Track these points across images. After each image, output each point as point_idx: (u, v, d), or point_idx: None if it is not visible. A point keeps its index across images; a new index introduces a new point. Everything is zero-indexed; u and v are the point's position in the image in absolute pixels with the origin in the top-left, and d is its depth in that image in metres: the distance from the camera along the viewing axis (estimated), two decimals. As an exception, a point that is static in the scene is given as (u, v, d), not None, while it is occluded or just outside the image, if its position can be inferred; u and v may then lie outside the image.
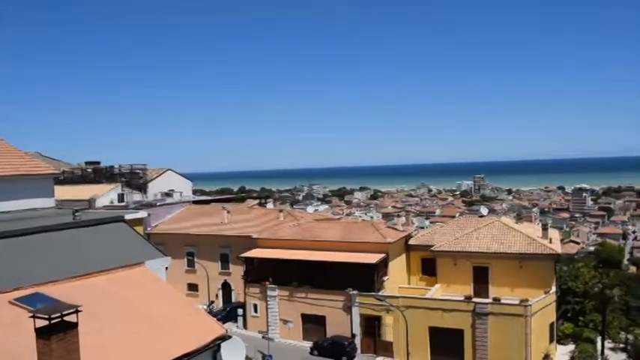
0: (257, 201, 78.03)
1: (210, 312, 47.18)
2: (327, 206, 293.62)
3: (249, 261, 47.78)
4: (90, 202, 54.19)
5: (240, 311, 48.69)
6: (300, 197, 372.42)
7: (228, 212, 57.61)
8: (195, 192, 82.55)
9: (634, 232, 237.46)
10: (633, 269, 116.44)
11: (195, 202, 67.30)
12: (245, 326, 47.99)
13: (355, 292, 42.14)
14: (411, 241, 48.82)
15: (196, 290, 55.99)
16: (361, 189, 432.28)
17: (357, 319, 42.36)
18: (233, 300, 54.17)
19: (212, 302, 54.30)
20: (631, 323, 54.81)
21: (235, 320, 49.13)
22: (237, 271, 51.97)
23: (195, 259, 56.14)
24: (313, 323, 44.53)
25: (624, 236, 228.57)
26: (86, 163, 71.46)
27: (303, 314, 44.88)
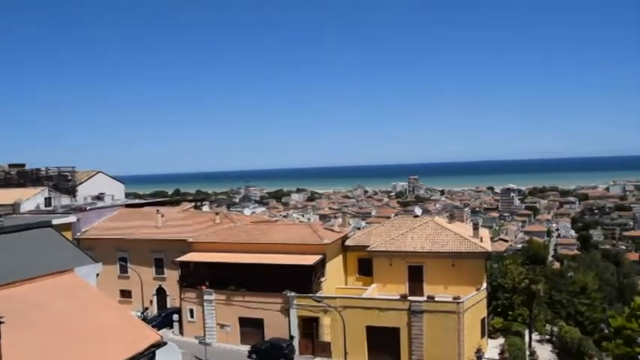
0: (192, 204, 76.65)
1: (145, 319, 45.93)
2: (264, 208, 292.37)
3: (184, 265, 46.85)
4: (14, 207, 51.71)
5: (175, 317, 47.67)
6: (237, 200, 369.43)
7: (163, 216, 56.30)
8: (127, 195, 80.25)
9: (557, 230, 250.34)
10: (557, 265, 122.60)
11: (128, 206, 65.33)
12: (181, 332, 47.04)
13: (293, 293, 42.15)
14: (348, 242, 49.36)
15: (130, 297, 54.32)
16: (298, 191, 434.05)
17: (294, 321, 42.38)
18: (168, 305, 52.95)
19: (146, 309, 52.84)
20: (555, 316, 57.72)
21: (171, 326, 48.06)
22: (172, 276, 50.82)
23: (128, 265, 54.49)
24: (251, 326, 44.19)
25: (549, 234, 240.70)
26: (9, 165, 68.01)
27: (240, 318, 44.44)
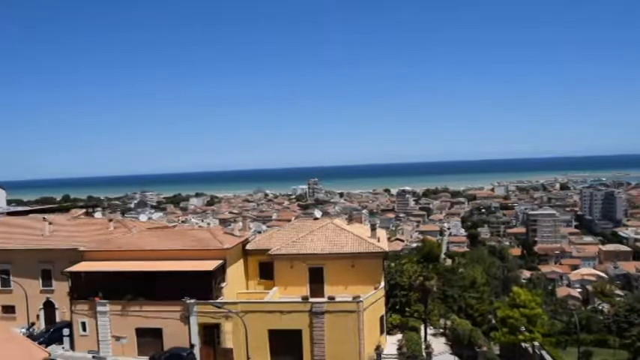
0: (83, 210, 72.53)
1: (31, 335, 42.81)
2: (161, 214, 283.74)
3: (75, 276, 44.19)
4: None
5: (66, 331, 44.83)
6: (132, 205, 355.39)
7: (50, 223, 52.71)
8: (10, 202, 74.48)
9: (449, 228, 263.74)
10: (449, 262, 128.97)
11: (10, 214, 60.62)
12: (72, 347, 44.28)
13: (193, 300, 41.13)
14: (249, 246, 48.98)
15: (13, 312, 50.31)
16: (197, 195, 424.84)
17: (195, 329, 41.36)
18: (58, 320, 49.61)
19: (32, 324, 49.24)
20: (448, 310, 60.80)
21: (61, 342, 45.13)
22: (61, 288, 47.66)
23: (11, 278, 50.45)
24: (149, 337, 42.52)
25: (441, 233, 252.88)
26: None
27: (137, 328, 42.65)
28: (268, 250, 46.50)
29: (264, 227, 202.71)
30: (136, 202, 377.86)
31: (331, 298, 41.09)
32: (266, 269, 47.40)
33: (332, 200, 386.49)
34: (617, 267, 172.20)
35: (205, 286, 41.55)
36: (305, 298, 41.30)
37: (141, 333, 42.73)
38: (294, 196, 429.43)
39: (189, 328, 41.43)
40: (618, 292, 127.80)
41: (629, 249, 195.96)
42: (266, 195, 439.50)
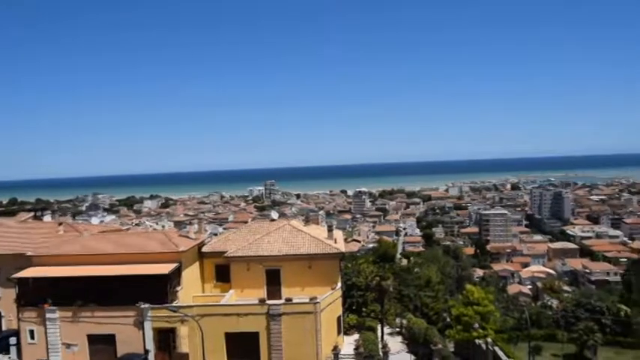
0: (31, 214, 70.02)
1: (-25, 345, 41.12)
2: (114, 217, 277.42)
3: (22, 282, 42.56)
4: None
5: (13, 340, 43.17)
6: (84, 208, 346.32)
7: (-5, 228, 50.76)
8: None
9: (404, 229, 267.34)
10: (405, 261, 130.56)
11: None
12: (20, 356, 42.70)
13: (147, 305, 40.29)
14: (205, 249, 48.35)
15: (-46, 322, 48.22)
16: (151, 197, 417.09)
17: (149, 334, 40.53)
18: (4, 328, 47.77)
19: (-23, 333, 47.27)
20: (404, 309, 61.59)
21: (7, 351, 43.43)
22: (8, 295, 45.81)
23: (-48, 285, 48.30)
24: (102, 343, 41.38)
25: (397, 233, 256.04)
26: None
27: (89, 335, 41.45)
28: (224, 252, 46.02)
29: (220, 229, 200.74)
30: (87, 204, 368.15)
31: (288, 300, 41.01)
32: (222, 272, 46.91)
33: (289, 202, 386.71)
34: (565, 264, 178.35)
35: (160, 290, 40.77)
36: (262, 301, 41.06)
37: (93, 340, 41.54)
38: (250, 198, 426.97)
39: (144, 334, 40.58)
40: (566, 288, 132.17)
41: (576, 247, 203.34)
42: (222, 197, 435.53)
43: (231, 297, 44.00)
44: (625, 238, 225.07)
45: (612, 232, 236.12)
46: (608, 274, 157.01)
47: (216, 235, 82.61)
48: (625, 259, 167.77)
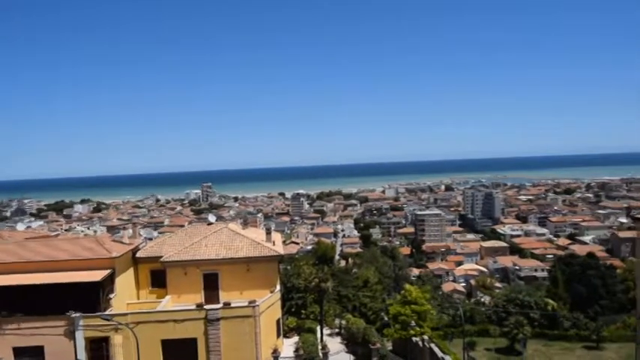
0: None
1: None
2: (42, 222, 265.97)
3: (-60, 293, 39.93)
4: None
5: None
6: (9, 214, 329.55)
7: None
8: None
9: (342, 230, 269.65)
10: (343, 263, 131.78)
11: None
12: (-63, 372, 40.03)
13: (78, 314, 38.65)
14: (139, 254, 46.91)
15: None
16: (82, 202, 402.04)
17: (81, 344, 38.86)
18: None
19: None
20: (343, 310, 62.08)
21: None
22: None
23: None
24: (29, 356, 39.24)
25: (335, 234, 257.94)
26: None
27: (15, 348, 39.24)
28: (160, 257, 44.82)
29: (155, 234, 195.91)
30: (12, 210, 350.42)
31: (227, 304, 40.40)
32: (158, 277, 45.67)
33: (226, 204, 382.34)
34: (496, 262, 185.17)
35: (92, 298, 39.20)
36: (200, 306, 40.28)
37: (19, 352, 39.39)
38: (187, 201, 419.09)
39: (75, 344, 38.89)
40: (497, 284, 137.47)
41: (506, 245, 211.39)
42: (157, 200, 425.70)
43: (168, 303, 42.91)
44: (551, 236, 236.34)
45: (539, 230, 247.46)
46: (535, 270, 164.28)
47: (151, 239, 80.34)
48: (551, 256, 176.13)
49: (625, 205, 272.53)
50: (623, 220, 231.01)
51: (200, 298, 43.53)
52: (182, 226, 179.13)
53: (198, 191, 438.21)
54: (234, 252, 44.70)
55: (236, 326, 38.69)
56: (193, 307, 40.32)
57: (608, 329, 67.11)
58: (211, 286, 44.40)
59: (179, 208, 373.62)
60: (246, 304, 39.94)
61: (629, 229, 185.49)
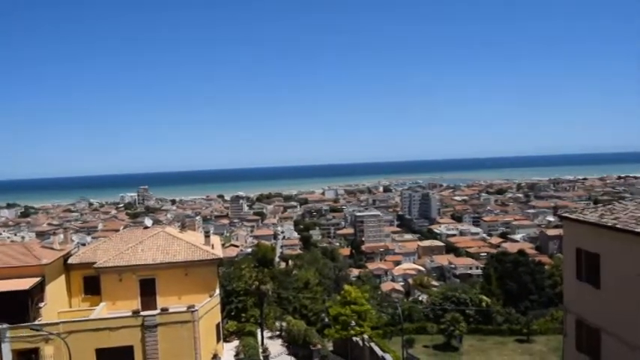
0: None
1: None
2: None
3: None
4: None
5: None
6: None
7: None
8: None
9: (282, 232, 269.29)
10: (283, 265, 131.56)
11: None
12: None
13: (5, 325, 36.67)
14: (71, 260, 45.06)
15: None
16: (9, 206, 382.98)
17: (8, 357, 36.91)
18: None
19: None
20: (284, 312, 61.92)
21: None
22: None
23: None
24: (-52, 371, 37.10)
25: (275, 236, 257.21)
26: None
27: None
28: (94, 263, 43.24)
29: (88, 239, 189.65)
30: None
31: (164, 310, 39.43)
32: (92, 284, 44.00)
33: (163, 208, 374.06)
34: (433, 261, 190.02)
35: (20, 307, 37.31)
36: (136, 312, 39.11)
37: (-62, 367, 37.12)
38: (122, 205, 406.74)
39: (1, 357, 36.91)
40: (434, 283, 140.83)
41: (442, 244, 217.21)
42: (90, 204, 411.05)
43: (102, 310, 41.45)
44: (484, 235, 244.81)
45: (473, 229, 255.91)
46: (470, 268, 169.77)
47: (84, 245, 77.59)
48: (484, 254, 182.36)
49: (552, 205, 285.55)
50: (551, 218, 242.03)
51: (136, 304, 42.26)
52: (117, 230, 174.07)
53: (134, 194, 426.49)
54: (172, 256, 43.72)
55: (174, 332, 37.85)
56: (129, 313, 39.13)
57: (538, 323, 70.04)
58: (148, 291, 43.22)
59: (114, 212, 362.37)
60: (184, 309, 39.14)
61: (556, 227, 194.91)
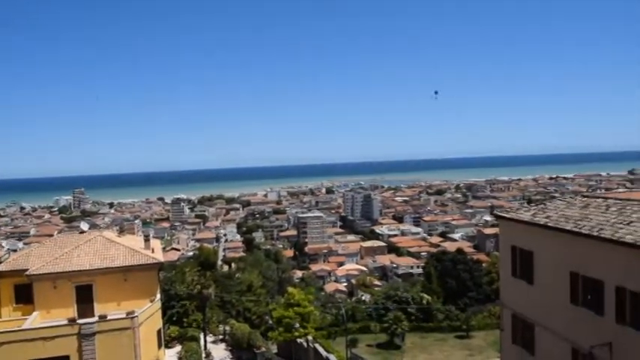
0: None
1: None
2: None
3: None
4: None
5: None
6: None
7: None
8: None
9: (225, 235, 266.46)
10: (226, 268, 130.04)
11: None
12: None
13: None
14: (1, 267, 42.92)
15: None
16: None
17: None
18: None
19: None
20: (227, 316, 61.23)
21: None
22: None
23: None
24: None
25: (217, 239, 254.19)
26: None
27: None
28: (26, 270, 41.33)
29: (20, 245, 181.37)
30: None
31: (102, 317, 38.18)
32: (24, 292, 41.98)
33: (101, 211, 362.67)
34: (375, 261, 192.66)
35: (-56, 318, 35.29)
36: (72, 320, 37.67)
37: None
38: (56, 209, 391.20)
39: None
40: (377, 282, 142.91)
41: (384, 244, 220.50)
42: (22, 208, 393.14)
43: (35, 320, 39.68)
44: (425, 234, 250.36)
45: (414, 229, 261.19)
46: (411, 267, 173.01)
47: (15, 251, 74.17)
48: (425, 253, 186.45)
49: (489, 205, 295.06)
50: (488, 218, 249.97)
51: (73, 312, 40.71)
52: (51, 235, 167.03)
53: (70, 198, 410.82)
54: (110, 261, 42.36)
55: (114, 340, 36.71)
56: (65, 322, 37.66)
57: (476, 319, 72.27)
58: (85, 298, 41.70)
59: (47, 216, 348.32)
60: (123, 315, 38.05)
61: (493, 226, 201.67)
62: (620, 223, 20.31)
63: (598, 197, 25.57)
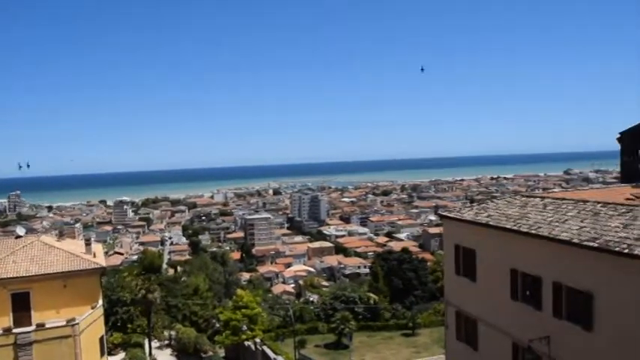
0: None
1: None
2: None
3: None
4: None
5: None
6: None
7: None
8: None
9: (170, 238, 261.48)
10: (172, 271, 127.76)
11: None
12: None
13: None
14: None
15: None
16: None
17: None
18: None
19: None
20: (173, 320, 60.14)
21: None
22: None
23: None
24: None
25: (162, 242, 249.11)
26: None
27: None
28: (-44, 278, 39.29)
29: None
30: None
31: (40, 326, 36.71)
32: (-46, 302, 39.95)
33: (38, 215, 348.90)
34: (323, 261, 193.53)
35: None
36: (7, 330, 36.06)
37: None
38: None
39: None
40: (325, 283, 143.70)
41: (331, 245, 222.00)
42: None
43: (-33, 330, 37.76)
44: (371, 235, 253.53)
45: (361, 229, 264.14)
46: (359, 267, 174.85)
47: (-56, 258, 70.10)
48: (372, 253, 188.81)
49: (433, 204, 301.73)
50: (432, 217, 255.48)
51: (8, 321, 38.93)
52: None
53: (4, 201, 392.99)
54: (48, 267, 40.72)
55: (53, 349, 35.41)
56: (0, 332, 36.00)
57: (422, 316, 73.69)
58: (21, 306, 39.88)
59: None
60: (63, 323, 36.72)
61: (437, 225, 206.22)
62: (557, 221, 21.18)
63: (536, 197, 26.55)
